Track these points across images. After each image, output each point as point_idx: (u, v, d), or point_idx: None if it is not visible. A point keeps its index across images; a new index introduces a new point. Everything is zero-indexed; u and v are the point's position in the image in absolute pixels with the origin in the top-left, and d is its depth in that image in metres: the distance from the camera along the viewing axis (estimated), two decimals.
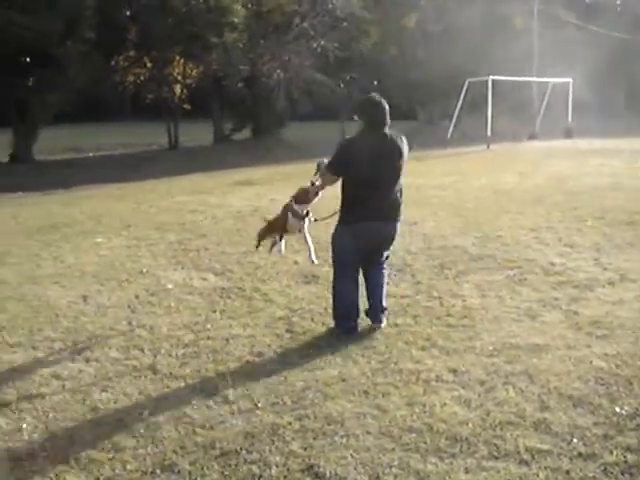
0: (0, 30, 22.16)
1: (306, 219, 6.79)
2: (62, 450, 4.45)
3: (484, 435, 4.42)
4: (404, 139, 6.31)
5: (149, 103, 37.64)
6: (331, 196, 6.70)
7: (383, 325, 6.53)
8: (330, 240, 6.52)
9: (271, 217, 7.24)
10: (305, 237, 6.86)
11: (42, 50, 24.93)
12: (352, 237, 6.25)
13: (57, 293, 8.16)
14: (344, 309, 6.44)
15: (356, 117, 6.40)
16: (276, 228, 7.05)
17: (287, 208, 6.80)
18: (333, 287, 6.55)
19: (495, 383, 5.21)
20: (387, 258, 6.72)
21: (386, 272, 6.76)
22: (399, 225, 6.44)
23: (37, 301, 7.85)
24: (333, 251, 6.52)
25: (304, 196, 6.66)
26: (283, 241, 7.13)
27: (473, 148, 28.46)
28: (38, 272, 9.21)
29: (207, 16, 29.98)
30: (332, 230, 6.49)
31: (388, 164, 6.19)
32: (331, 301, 6.58)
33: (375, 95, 6.38)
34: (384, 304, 6.61)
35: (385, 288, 6.69)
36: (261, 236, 7.36)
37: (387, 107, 6.21)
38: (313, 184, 6.57)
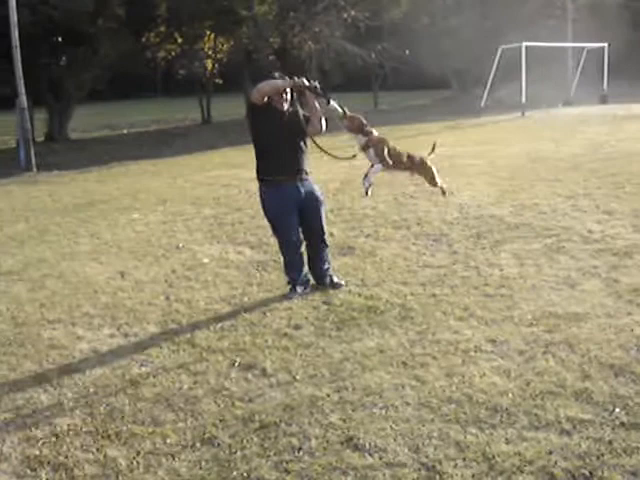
0: (32, 10, 22.19)
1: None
2: (102, 425, 4.50)
3: (524, 405, 4.39)
4: None
5: (181, 79, 37.66)
6: None
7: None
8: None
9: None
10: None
11: (73, 29, 25.00)
12: None
13: (95, 269, 8.22)
14: None
15: None
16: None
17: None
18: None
19: (534, 353, 5.16)
20: None
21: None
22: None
23: (75, 278, 7.92)
24: None
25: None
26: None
27: (507, 116, 28.14)
28: (76, 249, 9.29)
29: None
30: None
31: None
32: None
33: None
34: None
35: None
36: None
37: None
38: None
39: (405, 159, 6.87)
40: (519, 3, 39.00)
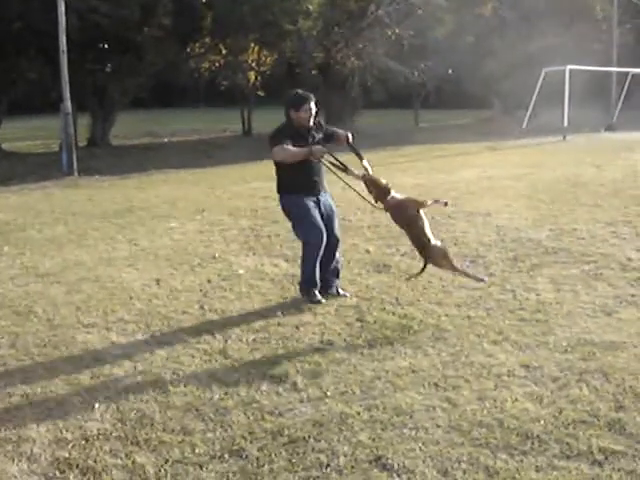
0: (80, 18, 22.52)
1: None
2: (132, 431, 4.52)
3: (556, 433, 4.33)
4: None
5: (223, 90, 37.91)
6: None
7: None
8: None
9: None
10: None
11: (120, 36, 25.32)
12: None
13: (131, 276, 8.29)
14: None
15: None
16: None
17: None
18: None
19: (568, 380, 5.10)
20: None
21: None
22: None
23: (111, 283, 7.99)
24: None
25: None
26: None
27: (549, 139, 27.93)
28: (113, 254, 9.38)
29: (282, 3, 29.96)
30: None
31: None
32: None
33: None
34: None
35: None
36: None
37: None
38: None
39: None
40: (564, 26, 38.76)
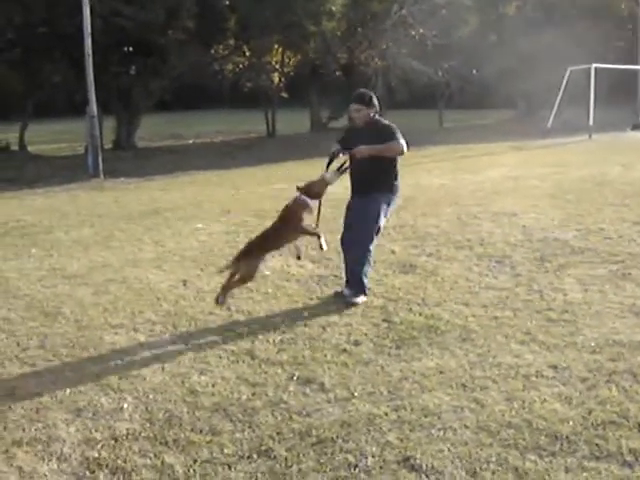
0: (104, 21, 22.70)
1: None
2: (161, 431, 4.55)
3: (585, 434, 4.31)
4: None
5: (247, 91, 38.04)
6: None
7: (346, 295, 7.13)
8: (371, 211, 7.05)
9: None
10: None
11: (144, 40, 25.51)
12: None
13: (158, 277, 8.33)
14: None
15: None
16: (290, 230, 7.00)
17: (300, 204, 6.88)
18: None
19: (597, 381, 5.06)
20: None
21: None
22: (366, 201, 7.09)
23: (139, 284, 8.04)
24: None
25: (315, 189, 6.94)
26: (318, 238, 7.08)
27: (574, 138, 27.74)
28: (140, 256, 9.43)
29: (306, 5, 30.06)
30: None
31: None
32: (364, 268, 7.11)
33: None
34: (353, 277, 7.14)
35: (357, 263, 7.14)
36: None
37: None
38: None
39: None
40: (589, 24, 38.50)
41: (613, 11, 41.29)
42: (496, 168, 18.09)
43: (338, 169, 6.99)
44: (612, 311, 6.56)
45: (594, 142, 26.83)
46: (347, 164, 7.00)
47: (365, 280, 7.09)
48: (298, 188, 6.90)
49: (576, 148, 24.55)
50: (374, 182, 7.01)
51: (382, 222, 7.14)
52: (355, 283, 7.08)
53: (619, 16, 40.98)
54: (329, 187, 7.02)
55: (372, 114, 7.04)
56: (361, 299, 7.03)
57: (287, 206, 6.92)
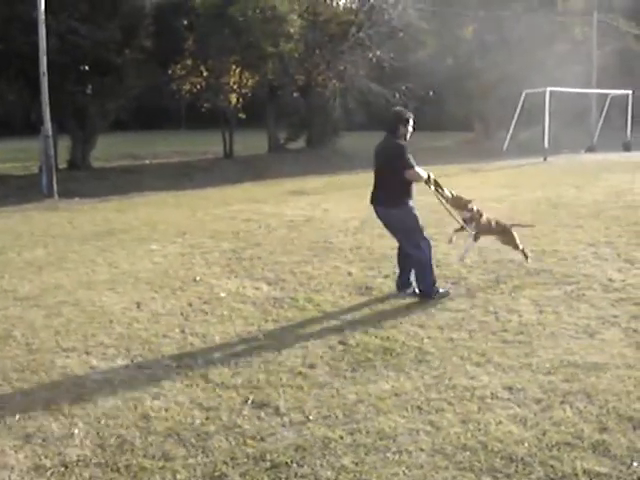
0: (60, 39, 22.46)
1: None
2: (112, 457, 4.46)
3: (540, 456, 4.31)
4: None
5: (205, 112, 37.91)
6: None
7: (409, 292, 7.94)
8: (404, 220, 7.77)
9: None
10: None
11: (101, 59, 25.29)
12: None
13: (111, 299, 8.22)
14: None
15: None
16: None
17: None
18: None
19: (552, 402, 5.08)
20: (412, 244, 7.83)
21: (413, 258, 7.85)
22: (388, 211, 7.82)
23: (91, 306, 7.92)
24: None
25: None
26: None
27: (530, 160, 28.12)
28: (93, 277, 9.30)
29: (264, 26, 30.06)
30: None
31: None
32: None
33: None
34: (413, 282, 7.93)
35: (413, 271, 7.91)
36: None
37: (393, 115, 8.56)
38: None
39: (494, 227, 8.61)
40: (545, 48, 39.14)
41: (568, 35, 41.96)
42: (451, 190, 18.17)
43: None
44: (567, 332, 6.61)
45: (549, 164, 27.22)
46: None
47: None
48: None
49: (531, 170, 24.87)
50: None
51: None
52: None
53: (574, 40, 41.65)
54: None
55: None
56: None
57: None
